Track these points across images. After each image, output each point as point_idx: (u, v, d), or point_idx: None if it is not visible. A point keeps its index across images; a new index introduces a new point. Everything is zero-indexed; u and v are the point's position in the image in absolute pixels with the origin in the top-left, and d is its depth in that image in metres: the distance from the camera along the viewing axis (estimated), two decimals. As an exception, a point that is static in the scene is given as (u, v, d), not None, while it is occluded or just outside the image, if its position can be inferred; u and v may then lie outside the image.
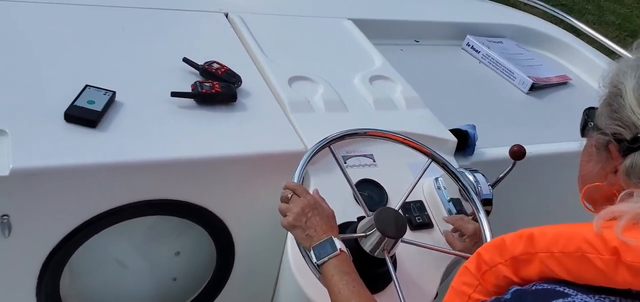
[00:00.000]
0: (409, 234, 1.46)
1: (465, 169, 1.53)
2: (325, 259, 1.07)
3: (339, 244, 1.09)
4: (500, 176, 1.52)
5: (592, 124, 0.94)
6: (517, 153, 1.46)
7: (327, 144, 1.33)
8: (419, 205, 1.53)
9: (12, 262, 1.28)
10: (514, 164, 1.49)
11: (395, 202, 1.49)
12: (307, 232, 1.12)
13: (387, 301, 1.30)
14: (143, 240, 1.55)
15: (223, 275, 1.56)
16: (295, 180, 1.23)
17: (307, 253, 1.13)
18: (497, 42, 2.62)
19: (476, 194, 1.45)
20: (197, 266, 1.59)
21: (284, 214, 1.16)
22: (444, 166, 1.40)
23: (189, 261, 1.60)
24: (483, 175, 1.50)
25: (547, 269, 0.76)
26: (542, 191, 2.02)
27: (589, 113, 0.97)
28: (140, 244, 1.55)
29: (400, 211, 1.28)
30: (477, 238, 1.37)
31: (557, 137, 2.07)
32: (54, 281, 1.34)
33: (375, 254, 1.25)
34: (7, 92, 1.34)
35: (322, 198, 1.22)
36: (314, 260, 1.09)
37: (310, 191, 1.44)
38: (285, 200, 1.19)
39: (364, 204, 1.32)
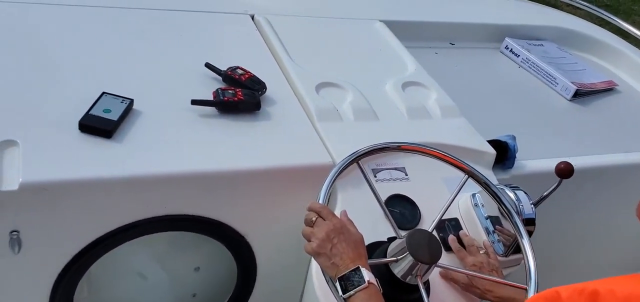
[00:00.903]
0: (443, 256, 1.35)
1: (506, 185, 1.42)
2: (352, 292, 0.97)
3: (367, 276, 0.98)
4: (544, 194, 1.40)
5: None
6: (564, 171, 1.34)
7: (355, 159, 1.23)
8: (454, 223, 1.43)
9: (22, 280, 1.22)
10: (560, 182, 1.37)
11: (428, 220, 1.39)
12: (332, 261, 1.02)
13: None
14: (162, 254, 1.48)
15: (244, 294, 1.48)
16: (321, 200, 1.13)
17: (333, 283, 1.03)
18: (538, 45, 2.48)
19: (517, 213, 1.34)
20: (218, 283, 1.52)
21: (307, 239, 1.07)
22: (485, 184, 1.29)
23: (209, 277, 1.53)
24: (525, 192, 1.38)
25: None
26: (588, 207, 1.89)
27: None
28: (159, 257, 1.48)
29: (434, 233, 1.18)
30: (476, 271, 1.26)
31: (604, 148, 1.93)
32: (67, 298, 1.28)
33: (407, 279, 1.15)
34: (19, 99, 1.28)
35: (350, 221, 1.12)
36: (340, 293, 1.00)
37: (338, 206, 1.37)
38: (309, 223, 1.09)
39: (395, 225, 1.22)
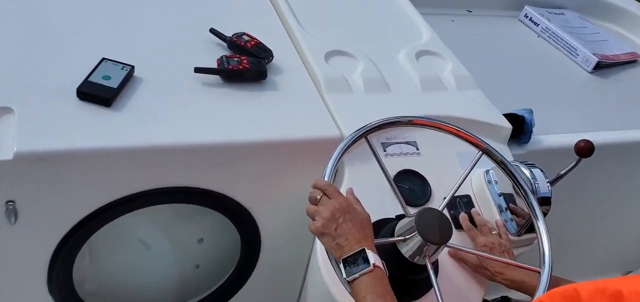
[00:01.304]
0: (454, 234, 1.30)
1: (521, 162, 1.36)
2: (357, 275, 0.93)
3: (373, 259, 0.93)
4: (562, 172, 1.34)
5: None
6: (584, 149, 1.28)
7: (364, 134, 1.17)
8: (466, 200, 1.37)
9: (20, 250, 1.19)
10: (578, 161, 1.31)
11: (439, 197, 1.34)
12: (337, 241, 0.97)
13: (426, 310, 1.17)
14: (165, 224, 1.44)
15: (248, 267, 1.45)
16: (326, 177, 1.08)
17: (337, 265, 0.98)
18: (558, 14, 2.39)
19: (533, 192, 1.28)
20: (221, 255, 1.48)
21: (312, 218, 1.02)
22: (500, 163, 1.23)
23: (213, 249, 1.49)
24: (541, 170, 1.32)
25: None
26: (608, 186, 1.82)
27: None
28: (162, 228, 1.45)
29: (445, 212, 1.13)
30: (486, 252, 1.22)
31: (626, 124, 1.86)
32: (66, 269, 1.25)
33: (415, 260, 1.11)
34: (15, 65, 1.23)
35: (357, 199, 1.07)
36: (344, 275, 0.95)
37: (345, 181, 1.32)
38: (313, 201, 1.04)
39: (404, 202, 1.17)
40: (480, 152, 1.24)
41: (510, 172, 1.21)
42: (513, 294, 1.59)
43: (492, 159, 1.23)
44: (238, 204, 1.31)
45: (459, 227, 1.32)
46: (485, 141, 1.40)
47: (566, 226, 1.83)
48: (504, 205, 1.35)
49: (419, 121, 1.25)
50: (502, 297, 1.84)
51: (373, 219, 1.25)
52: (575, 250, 2.02)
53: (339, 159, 1.12)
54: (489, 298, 1.63)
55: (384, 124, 1.20)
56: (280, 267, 1.47)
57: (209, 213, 1.35)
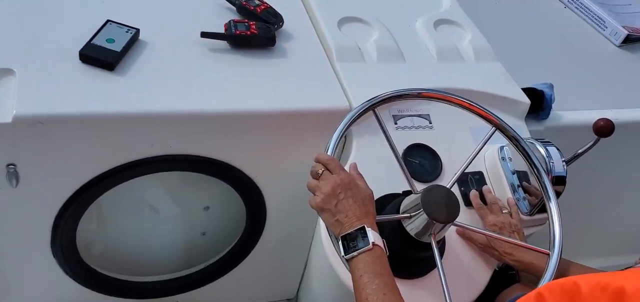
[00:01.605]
0: (462, 211, 1.26)
1: (537, 139, 1.30)
2: (355, 253, 0.90)
3: (372, 237, 0.90)
4: (579, 151, 1.28)
5: None
6: (603, 129, 1.21)
7: (370, 107, 1.13)
8: (478, 177, 1.33)
9: (23, 213, 1.18)
10: (597, 141, 1.25)
11: (450, 173, 1.29)
12: (337, 218, 0.94)
13: (430, 288, 1.13)
14: (171, 190, 1.43)
15: (253, 237, 1.43)
16: (329, 152, 1.04)
17: (336, 241, 0.95)
18: (588, -17, 2.28)
19: (547, 172, 1.23)
20: (227, 224, 1.47)
21: (313, 193, 0.99)
22: (514, 139, 1.18)
23: (219, 217, 1.48)
24: (557, 149, 1.27)
25: None
26: (628, 165, 1.75)
27: None
28: (168, 194, 1.43)
29: (452, 190, 1.09)
30: (496, 231, 1.19)
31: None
32: (69, 232, 1.24)
33: (421, 238, 1.08)
34: (18, 26, 1.21)
35: (360, 175, 1.04)
36: (342, 253, 0.92)
37: (352, 153, 1.28)
38: (315, 176, 1.01)
39: (411, 178, 1.13)
40: (493, 128, 1.19)
41: (523, 149, 1.16)
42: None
43: (505, 135, 1.18)
44: (243, 174, 1.29)
45: (469, 204, 1.28)
46: (500, 116, 1.35)
47: (583, 205, 1.77)
48: (517, 183, 1.30)
49: (428, 94, 1.20)
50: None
51: (381, 194, 1.23)
52: (591, 229, 1.96)
53: (343, 133, 1.08)
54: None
55: (390, 97, 1.15)
56: (285, 238, 1.45)
57: (215, 181, 1.33)
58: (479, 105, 1.19)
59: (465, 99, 1.19)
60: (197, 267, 1.49)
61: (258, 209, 1.37)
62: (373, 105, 1.13)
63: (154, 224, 1.48)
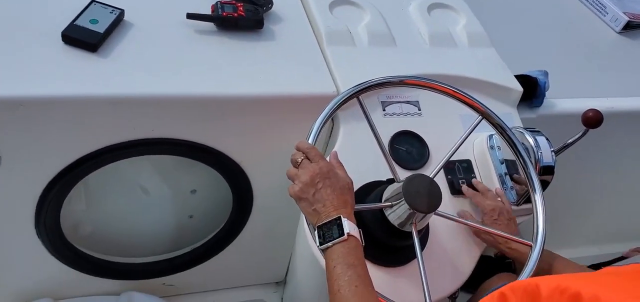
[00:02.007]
0: (448, 200, 1.26)
1: (527, 128, 1.29)
2: (330, 244, 0.89)
3: (347, 228, 0.89)
4: (568, 142, 1.27)
5: None
6: (592, 120, 1.20)
7: (353, 94, 1.11)
8: (466, 165, 1.32)
9: (5, 195, 1.18)
10: (585, 132, 1.23)
11: (438, 161, 1.28)
12: (314, 207, 0.93)
13: (412, 277, 1.13)
14: (158, 173, 1.42)
15: (240, 220, 1.42)
16: (310, 140, 1.03)
17: (313, 231, 0.95)
18: (592, -33, 2.23)
19: (535, 162, 1.22)
20: (214, 207, 1.46)
21: (292, 181, 0.98)
22: (499, 127, 1.16)
23: (205, 201, 1.47)
24: (546, 138, 1.25)
25: None
26: (624, 155, 1.72)
27: None
28: (155, 176, 1.43)
29: (435, 179, 1.07)
30: (494, 216, 1.19)
31: (652, 90, 1.75)
32: (53, 213, 1.24)
33: (403, 227, 1.07)
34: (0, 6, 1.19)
35: (340, 164, 1.02)
36: (317, 243, 0.91)
37: (339, 140, 1.27)
38: (295, 164, 0.99)
39: (394, 167, 1.12)
40: (480, 116, 1.17)
41: (509, 137, 1.15)
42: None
43: (490, 122, 1.16)
44: (229, 159, 1.28)
45: (455, 192, 1.27)
46: (492, 104, 1.34)
47: (574, 193, 1.75)
48: (504, 171, 1.29)
49: (412, 81, 1.17)
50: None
51: (367, 180, 1.22)
52: (583, 218, 1.95)
53: (325, 121, 1.07)
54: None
55: (371, 85, 1.13)
56: (273, 222, 1.45)
57: (202, 165, 1.33)
58: (464, 93, 1.17)
59: (450, 86, 1.17)
60: (184, 250, 1.49)
61: (244, 194, 1.36)
62: (356, 93, 1.11)
63: (141, 206, 1.47)
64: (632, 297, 0.53)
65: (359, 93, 1.11)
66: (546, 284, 0.59)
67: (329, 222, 0.91)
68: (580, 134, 1.24)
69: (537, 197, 1.09)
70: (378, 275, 1.13)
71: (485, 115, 1.16)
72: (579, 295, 0.55)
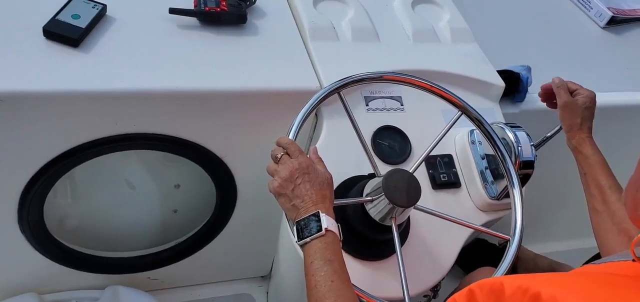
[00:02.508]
0: (429, 194, 1.27)
1: (507, 124, 1.30)
2: (308, 239, 0.89)
3: (325, 223, 0.90)
4: (547, 135, 1.28)
5: None
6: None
7: (334, 90, 1.12)
8: (447, 160, 1.33)
9: (-13, 189, 1.18)
10: (561, 128, 1.25)
11: (419, 156, 1.29)
12: (293, 203, 0.94)
13: (393, 270, 1.14)
14: (141, 167, 1.43)
15: (224, 215, 1.43)
16: (291, 135, 1.03)
17: (291, 227, 0.95)
18: (578, -38, 2.24)
19: (516, 156, 1.23)
20: (198, 202, 1.47)
21: (272, 176, 0.99)
22: (477, 121, 1.17)
23: (189, 195, 1.48)
24: (527, 134, 1.26)
25: None
26: (609, 150, 1.74)
27: None
28: (139, 171, 1.43)
29: (415, 174, 1.08)
30: (568, 110, 1.25)
31: (634, 85, 1.76)
32: (36, 208, 1.24)
33: (384, 222, 1.08)
34: (-20, -1, 1.19)
35: (320, 159, 1.03)
36: (295, 238, 0.92)
37: (322, 135, 1.28)
38: (275, 159, 1.00)
39: (375, 161, 1.13)
40: (459, 111, 1.18)
41: (487, 131, 1.16)
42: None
43: (469, 117, 1.17)
44: (211, 154, 1.29)
45: (436, 186, 1.28)
46: (474, 99, 1.35)
47: (557, 186, 1.76)
48: (485, 166, 1.30)
49: (390, 77, 1.18)
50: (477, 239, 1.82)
51: (349, 175, 1.23)
52: (566, 211, 1.96)
53: (306, 117, 1.07)
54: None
55: (350, 81, 1.13)
56: (257, 217, 1.46)
57: (185, 159, 1.33)
58: (443, 88, 1.18)
59: (429, 81, 1.18)
60: (169, 244, 1.49)
61: (228, 189, 1.37)
62: (336, 89, 1.11)
63: (126, 200, 1.48)
64: (588, 298, 0.54)
65: (339, 89, 1.11)
66: (510, 283, 0.60)
67: (308, 217, 0.91)
68: (558, 128, 1.26)
69: (516, 192, 1.10)
70: (359, 269, 1.14)
71: (464, 109, 1.17)
72: (539, 295, 0.56)
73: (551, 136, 1.27)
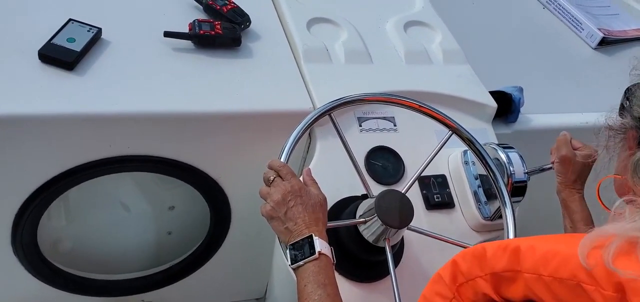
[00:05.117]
0: (423, 215, 1.27)
1: (499, 145, 1.31)
2: (301, 263, 0.90)
3: (319, 246, 0.90)
4: (543, 167, 1.28)
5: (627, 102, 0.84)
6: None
7: (325, 112, 1.13)
8: (441, 180, 1.33)
9: (-19, 213, 1.18)
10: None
11: (413, 176, 1.30)
12: (286, 226, 0.94)
13: (387, 292, 1.13)
14: (136, 189, 1.43)
15: (218, 236, 1.43)
16: (282, 158, 1.04)
17: (285, 250, 0.96)
18: (568, -17, 2.28)
19: (508, 176, 1.24)
20: (192, 223, 1.47)
21: (264, 200, 0.99)
22: (469, 141, 1.18)
23: (184, 217, 1.48)
24: (519, 155, 1.27)
25: (533, 293, 0.65)
26: (597, 171, 1.75)
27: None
28: (133, 193, 1.44)
29: (407, 195, 1.09)
30: (565, 165, 1.23)
31: (624, 106, 1.77)
32: (30, 231, 1.24)
33: (377, 243, 1.08)
34: (-24, 22, 1.21)
35: (313, 181, 1.03)
36: (288, 262, 0.92)
37: (315, 156, 1.28)
38: (267, 182, 1.01)
39: (367, 182, 1.13)
40: (450, 131, 1.19)
41: (478, 151, 1.17)
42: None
43: (460, 137, 1.18)
44: (206, 175, 1.29)
45: (430, 207, 1.29)
46: (468, 120, 1.35)
47: (551, 207, 1.77)
48: (476, 185, 1.30)
49: (381, 98, 1.20)
50: None
51: (343, 195, 1.23)
52: (558, 231, 1.96)
53: (297, 140, 1.08)
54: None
55: (344, 102, 1.15)
56: (251, 238, 1.45)
57: (179, 181, 1.33)
58: (434, 108, 1.19)
59: (420, 102, 1.19)
60: (163, 266, 1.49)
61: (222, 210, 1.37)
62: (327, 111, 1.13)
63: (120, 222, 1.48)
64: (562, 243, 0.63)
65: (329, 111, 1.13)
66: (491, 246, 0.68)
67: (301, 240, 0.92)
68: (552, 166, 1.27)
69: (508, 212, 1.11)
70: (354, 291, 1.14)
71: (455, 130, 1.18)
72: (518, 248, 0.65)
73: (546, 169, 1.28)
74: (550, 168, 1.27)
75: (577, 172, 1.23)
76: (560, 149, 1.24)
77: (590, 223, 1.20)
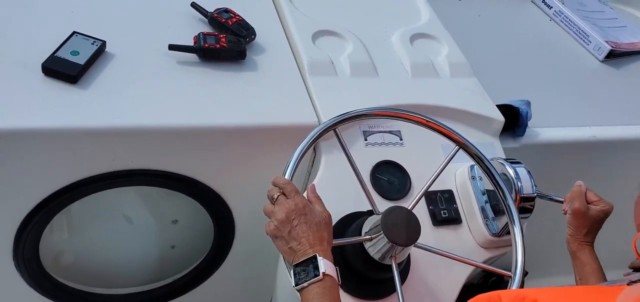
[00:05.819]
0: (430, 231, 1.26)
1: (507, 160, 1.29)
2: (305, 284, 0.88)
3: (323, 267, 0.88)
4: (553, 197, 1.27)
5: None
6: None
7: (330, 127, 1.11)
8: (448, 196, 1.32)
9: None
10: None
11: (419, 191, 1.28)
12: (290, 245, 0.92)
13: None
14: (139, 203, 1.42)
15: (222, 250, 1.42)
16: (287, 175, 1.03)
17: (289, 270, 0.94)
18: (575, -4, 2.27)
19: (515, 192, 1.22)
20: (196, 237, 1.45)
21: (269, 218, 0.97)
22: (477, 157, 1.17)
23: (187, 231, 1.47)
24: (528, 171, 1.25)
25: None
26: (604, 186, 1.73)
27: None
28: (137, 206, 1.42)
29: (414, 211, 1.07)
30: (578, 218, 1.19)
31: (634, 119, 1.75)
32: (32, 245, 1.23)
33: (384, 261, 1.06)
34: (-20, 36, 1.20)
35: (318, 198, 1.02)
36: (292, 283, 0.91)
37: (320, 170, 1.27)
38: (271, 200, 0.99)
39: (373, 199, 1.12)
40: (457, 146, 1.18)
41: (486, 167, 1.15)
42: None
43: (468, 152, 1.17)
44: (209, 189, 1.28)
45: (437, 223, 1.27)
46: (474, 134, 1.34)
47: (559, 222, 1.75)
48: (483, 201, 1.29)
49: (386, 113, 1.18)
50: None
51: (349, 211, 1.22)
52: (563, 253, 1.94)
53: (302, 156, 1.07)
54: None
55: (349, 117, 1.13)
56: (255, 253, 1.44)
57: (183, 194, 1.32)
58: (440, 123, 1.18)
59: (425, 117, 1.18)
60: (166, 281, 1.47)
61: (226, 224, 1.36)
62: (331, 127, 1.11)
63: (123, 236, 1.46)
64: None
65: (335, 126, 1.11)
66: (507, 294, 0.64)
67: (305, 261, 0.90)
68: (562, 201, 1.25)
69: (516, 228, 1.09)
70: (360, 309, 1.12)
71: (463, 145, 1.17)
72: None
73: (555, 201, 1.26)
74: (560, 202, 1.25)
75: (588, 225, 1.20)
76: (574, 202, 1.20)
77: (601, 277, 1.16)
